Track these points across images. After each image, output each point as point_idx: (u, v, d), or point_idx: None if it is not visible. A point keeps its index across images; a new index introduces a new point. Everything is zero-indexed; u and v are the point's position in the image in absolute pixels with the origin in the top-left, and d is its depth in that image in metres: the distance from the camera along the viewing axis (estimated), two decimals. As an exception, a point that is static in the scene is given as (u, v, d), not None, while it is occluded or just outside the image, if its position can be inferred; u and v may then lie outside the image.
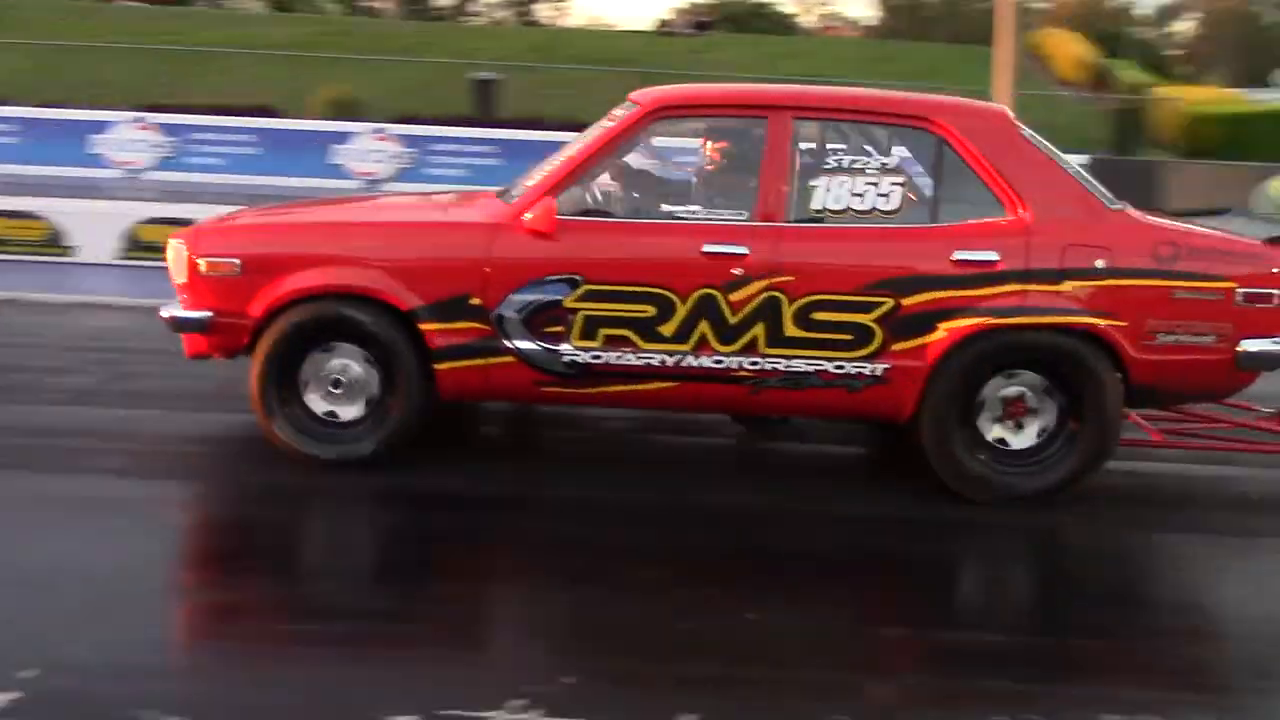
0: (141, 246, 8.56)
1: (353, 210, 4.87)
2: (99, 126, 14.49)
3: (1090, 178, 4.16)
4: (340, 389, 4.10)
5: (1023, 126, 4.10)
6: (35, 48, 22.49)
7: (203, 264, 4.08)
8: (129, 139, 14.46)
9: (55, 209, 8.74)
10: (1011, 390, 3.98)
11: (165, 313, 4.23)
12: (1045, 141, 4.14)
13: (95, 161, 14.28)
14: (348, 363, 4.08)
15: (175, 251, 4.20)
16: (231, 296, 4.04)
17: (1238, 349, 3.92)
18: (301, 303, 4.01)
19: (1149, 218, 4.14)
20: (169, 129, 14.61)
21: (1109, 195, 4.10)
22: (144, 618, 3.06)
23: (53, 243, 8.54)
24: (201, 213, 8.82)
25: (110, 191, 11.67)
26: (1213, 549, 3.93)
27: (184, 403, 4.98)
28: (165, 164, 14.45)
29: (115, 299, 7.28)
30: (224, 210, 5.21)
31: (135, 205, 9.51)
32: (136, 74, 20.79)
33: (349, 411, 4.10)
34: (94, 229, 8.59)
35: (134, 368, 5.60)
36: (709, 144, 4.44)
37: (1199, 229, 4.16)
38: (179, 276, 4.18)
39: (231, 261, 4.06)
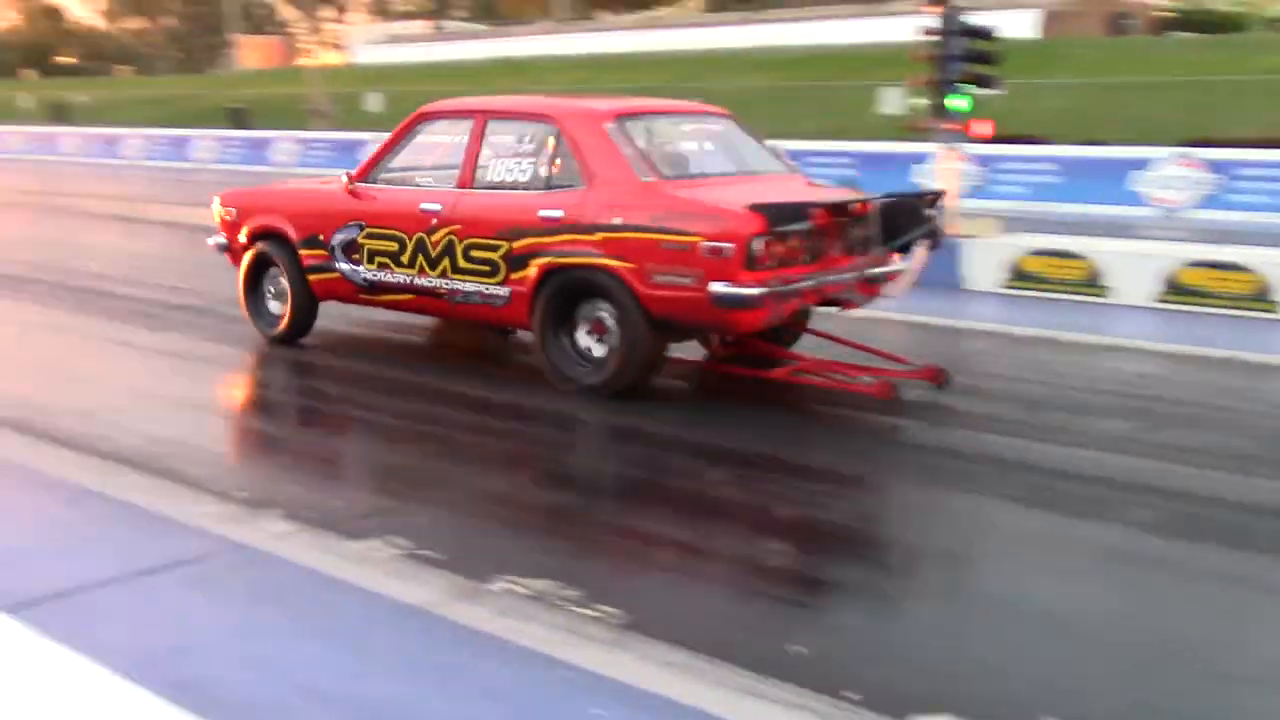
0: (1181, 290, 8.42)
1: (285, 187, 7.59)
2: (1140, 164, 14.69)
3: (661, 158, 5.75)
4: (274, 293, 6.96)
5: (615, 125, 5.75)
6: (1083, 87, 23.88)
7: (222, 211, 7.25)
8: (1170, 176, 14.42)
9: (1095, 249, 9.04)
10: (592, 312, 5.67)
11: (210, 241, 7.43)
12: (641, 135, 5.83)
13: (1134, 199, 14.55)
14: (277, 276, 6.89)
15: (215, 203, 7.36)
16: (232, 231, 7.15)
17: (709, 289, 5.20)
18: (256, 237, 6.97)
19: (670, 188, 5.52)
20: (1213, 165, 14.23)
21: (654, 169, 5.61)
22: (1191, 691, 2.94)
23: (1091, 283, 8.83)
24: (1246, 255, 8.45)
25: (1146, 230, 11.76)
26: None
27: (1225, 462, 4.75)
28: (1206, 202, 14.11)
29: (1150, 344, 7.16)
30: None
31: (1176, 246, 9.44)
32: (1184, 108, 20.67)
33: (275, 306, 7.00)
34: (1132, 270, 8.67)
35: (1167, 417, 5.48)
36: (449, 137, 6.36)
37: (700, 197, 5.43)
38: (216, 219, 7.32)
39: (231, 210, 7.18)
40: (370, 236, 6.36)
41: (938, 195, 6.06)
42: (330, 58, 73.30)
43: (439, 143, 6.48)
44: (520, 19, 63.06)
